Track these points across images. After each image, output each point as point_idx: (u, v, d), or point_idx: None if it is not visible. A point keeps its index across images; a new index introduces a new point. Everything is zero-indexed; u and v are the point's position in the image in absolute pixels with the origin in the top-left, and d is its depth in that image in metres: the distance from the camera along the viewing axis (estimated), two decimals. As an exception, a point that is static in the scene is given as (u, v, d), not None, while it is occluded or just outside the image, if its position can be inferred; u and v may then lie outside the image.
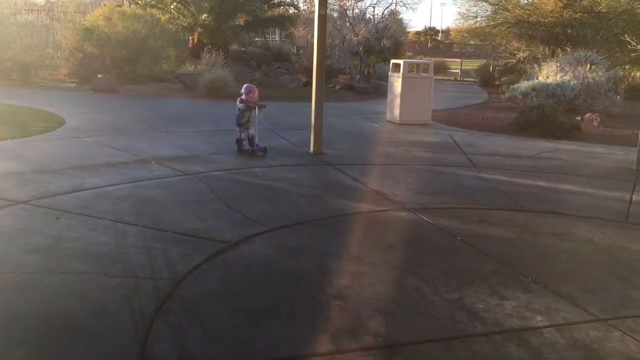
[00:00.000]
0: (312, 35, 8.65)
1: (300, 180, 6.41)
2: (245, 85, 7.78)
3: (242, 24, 22.82)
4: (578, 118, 12.59)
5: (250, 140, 7.55)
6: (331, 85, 19.99)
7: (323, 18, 8.02)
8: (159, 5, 22.28)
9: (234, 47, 26.16)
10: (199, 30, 22.83)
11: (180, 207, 5.16)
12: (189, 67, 18.99)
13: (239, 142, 7.67)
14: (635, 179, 7.10)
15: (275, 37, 36.19)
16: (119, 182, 5.86)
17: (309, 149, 8.02)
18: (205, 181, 6.09)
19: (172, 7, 22.68)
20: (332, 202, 5.64)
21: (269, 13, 26.37)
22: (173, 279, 3.62)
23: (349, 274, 3.87)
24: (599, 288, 3.80)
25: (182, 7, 22.61)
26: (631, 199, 6.15)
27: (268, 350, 2.88)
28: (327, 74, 19.91)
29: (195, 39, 23.54)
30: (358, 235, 4.69)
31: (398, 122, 11.41)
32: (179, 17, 22.70)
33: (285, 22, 24.80)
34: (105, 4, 17.95)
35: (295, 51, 27.87)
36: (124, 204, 5.16)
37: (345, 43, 20.97)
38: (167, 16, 21.98)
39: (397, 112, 11.53)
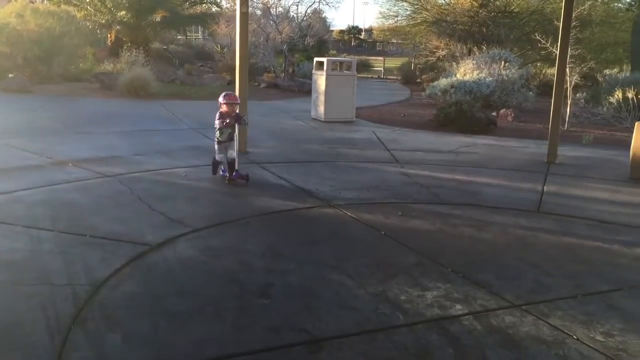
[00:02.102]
0: (235, 33, 8.59)
1: (225, 180, 6.33)
2: (223, 94, 6.15)
3: (161, 20, 22.25)
4: (494, 113, 13.14)
5: (230, 164, 6.12)
6: (256, 84, 19.89)
7: (245, 16, 7.96)
8: (74, 2, 21.39)
9: (156, 45, 25.50)
10: (117, 27, 22.13)
11: (100, 211, 4.99)
12: (107, 66, 18.35)
13: (214, 163, 6.35)
14: (546, 170, 7.49)
15: (198, 35, 35.60)
16: (33, 187, 5.58)
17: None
18: (126, 183, 5.90)
19: (88, 3, 21.82)
20: (258, 200, 5.61)
21: (191, 10, 25.88)
22: (92, 285, 3.49)
23: (274, 271, 3.87)
24: (513, 275, 3.98)
25: (98, 4, 21.80)
26: (543, 189, 6.48)
27: (192, 352, 2.83)
28: (252, 72, 19.85)
29: (114, 37, 22.79)
30: (283, 233, 4.70)
31: (323, 119, 11.50)
32: (95, 14, 21.90)
33: (207, 19, 24.44)
34: (16, 0, 17.01)
35: (218, 49, 27.52)
36: (39, 209, 4.93)
37: (269, 41, 20.93)
38: (83, 13, 21.18)
39: (321, 109, 11.63)
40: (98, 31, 23.07)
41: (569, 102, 12.13)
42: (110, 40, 23.12)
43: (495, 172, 7.34)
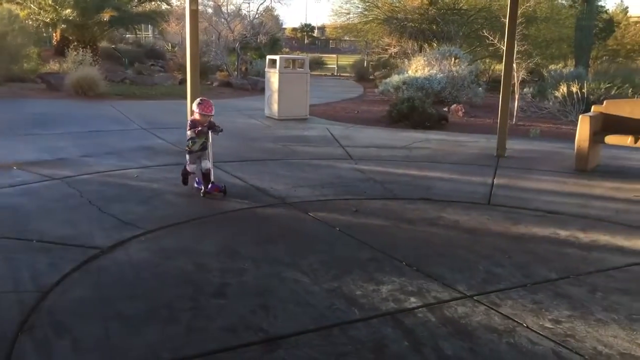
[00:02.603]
0: (186, 31, 8.44)
1: (178, 180, 6.22)
2: (197, 102, 5.58)
3: (109, 19, 21.71)
4: (445, 109, 13.37)
5: (205, 176, 5.60)
6: (209, 83, 19.66)
7: (195, 13, 7.83)
8: (17, 0, 20.66)
9: (104, 44, 24.88)
10: (63, 26, 21.48)
11: (47, 215, 4.84)
12: (53, 66, 17.80)
13: (185, 175, 5.84)
14: (495, 164, 7.67)
15: (148, 34, 34.93)
16: (-26, 191, 5.38)
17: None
18: (74, 185, 5.75)
19: (31, 1, 21.09)
20: (212, 200, 5.55)
21: (140, 8, 25.34)
22: (39, 291, 3.38)
23: (229, 271, 3.83)
24: (465, 267, 4.06)
25: (42, 2, 21.11)
26: (492, 182, 6.63)
27: (145, 356, 2.78)
28: (204, 70, 19.62)
29: (59, 36, 22.13)
30: (238, 232, 4.66)
31: (277, 117, 11.47)
32: (39, 13, 21.19)
33: (157, 17, 23.97)
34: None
35: (169, 48, 27.08)
36: (-19, 215, 4.75)
37: (221, 39, 20.72)
38: (26, 11, 20.46)
39: (275, 107, 11.59)
40: (43, 30, 22.34)
41: (516, 97, 12.45)
42: (56, 40, 22.43)
43: (447, 167, 7.47)
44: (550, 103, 13.50)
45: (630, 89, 13.62)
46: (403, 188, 6.26)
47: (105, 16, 21.36)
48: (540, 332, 3.14)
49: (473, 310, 3.40)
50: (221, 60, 20.45)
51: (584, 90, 12.52)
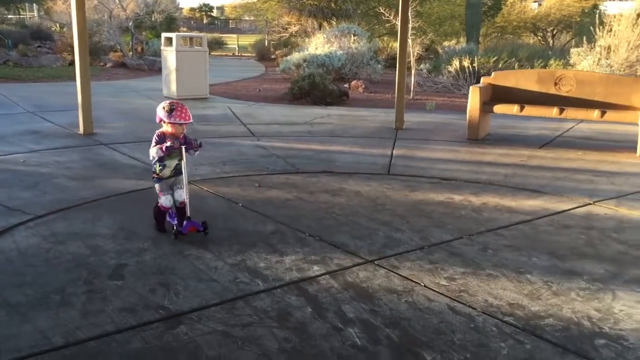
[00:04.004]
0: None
1: (70, 163, 5.93)
2: (165, 107, 3.83)
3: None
4: (346, 85, 13.56)
5: (179, 210, 4.05)
6: (102, 64, 18.79)
7: (80, -12, 7.41)
8: None
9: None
10: None
11: None
12: None
13: (158, 213, 4.09)
14: (394, 136, 7.89)
15: (33, 14, 32.73)
16: None
17: (79, 130, 7.45)
18: (-49, 173, 5.31)
19: None
20: (107, 182, 5.32)
21: (22, -15, 23.63)
22: None
23: (127, 252, 3.70)
24: (366, 234, 4.16)
25: None
26: (392, 153, 6.82)
27: (36, 342, 2.62)
28: (97, 51, 18.67)
29: None
30: (137, 213, 4.50)
31: (175, 97, 11.12)
32: None
33: (41, -5, 22.47)
34: None
35: (57, 29, 25.52)
36: None
37: (113, 18, 19.77)
38: None
39: (173, 87, 11.26)
40: None
41: (413, 72, 12.84)
42: None
43: (349, 140, 7.59)
44: (445, 78, 14.04)
45: (517, 63, 14.42)
46: (305, 162, 6.29)
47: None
48: (437, 290, 3.28)
49: (374, 274, 3.49)
50: (114, 40, 19.55)
51: (475, 65, 13.12)
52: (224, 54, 29.50)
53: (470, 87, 7.80)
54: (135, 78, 15.62)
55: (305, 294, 3.19)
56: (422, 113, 10.26)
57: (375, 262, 3.65)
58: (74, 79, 7.75)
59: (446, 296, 3.21)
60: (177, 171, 4.01)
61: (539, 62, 14.34)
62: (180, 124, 3.84)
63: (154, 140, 3.86)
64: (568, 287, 3.36)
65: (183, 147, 3.88)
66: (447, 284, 3.37)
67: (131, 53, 19.75)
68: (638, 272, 3.59)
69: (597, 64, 12.21)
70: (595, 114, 7.12)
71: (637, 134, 6.96)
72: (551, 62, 14.40)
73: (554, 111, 7.31)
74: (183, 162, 3.92)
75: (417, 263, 3.66)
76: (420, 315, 2.99)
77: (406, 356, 2.61)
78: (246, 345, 2.65)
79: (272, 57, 24.75)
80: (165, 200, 3.99)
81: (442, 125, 9.02)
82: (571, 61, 13.82)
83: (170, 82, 11.35)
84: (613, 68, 11.87)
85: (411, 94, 12.20)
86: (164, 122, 3.84)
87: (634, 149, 7.00)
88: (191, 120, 3.86)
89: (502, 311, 3.05)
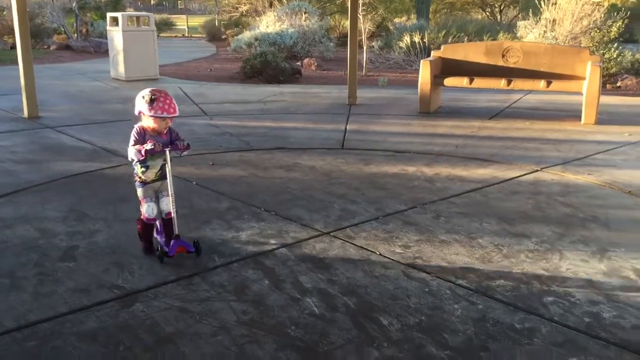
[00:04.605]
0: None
1: (14, 147, 5.74)
2: (145, 96, 3.09)
3: None
4: (298, 63, 13.48)
5: (166, 224, 3.34)
6: (45, 47, 18.15)
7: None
8: None
9: None
10: None
11: None
12: None
13: (143, 228, 3.37)
14: (348, 111, 7.92)
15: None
16: None
17: (23, 114, 7.20)
18: None
19: None
20: (55, 165, 5.17)
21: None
22: None
23: (78, 234, 3.62)
24: (322, 207, 4.18)
25: None
26: (345, 128, 6.85)
27: (-14, 328, 2.56)
28: (40, 33, 18.00)
29: None
30: (87, 194, 4.39)
31: (124, 78, 10.87)
32: None
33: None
34: None
35: (-3, 11, 24.43)
36: None
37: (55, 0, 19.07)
38: None
39: (121, 68, 10.97)
40: None
41: (365, 49, 12.86)
42: None
43: (302, 117, 7.58)
44: (396, 54, 14.12)
45: (466, 37, 14.62)
46: (259, 139, 6.26)
47: None
48: (392, 257, 3.34)
49: (330, 245, 3.52)
50: (58, 22, 18.88)
51: (425, 40, 13.25)
52: (173, 35, 28.82)
53: (421, 61, 7.88)
54: (81, 60, 15.15)
55: (262, 267, 3.20)
56: (375, 89, 10.31)
57: (331, 234, 3.68)
58: (16, 62, 7.46)
59: (401, 263, 3.27)
60: (164, 173, 3.29)
61: (487, 36, 14.57)
62: (164, 118, 3.13)
63: (132, 138, 3.18)
64: (517, 249, 3.47)
65: (167, 150, 3.17)
66: (402, 251, 3.43)
67: (76, 35, 19.11)
68: (583, 233, 3.73)
69: (543, 37, 12.50)
70: (542, 84, 7.30)
71: (582, 102, 7.18)
72: (499, 36, 14.66)
73: (502, 82, 7.46)
74: (167, 167, 3.22)
75: (372, 233, 3.70)
76: (376, 283, 3.04)
77: (363, 321, 2.65)
78: (204, 320, 2.64)
79: (223, 37, 24.32)
80: (148, 209, 3.28)
81: (394, 100, 9.09)
82: (518, 34, 14.10)
83: (118, 64, 11.05)
84: (558, 40, 12.17)
85: (363, 71, 12.24)
86: (144, 115, 3.13)
87: (579, 117, 7.23)
88: (177, 113, 3.13)
89: (456, 275, 3.13)
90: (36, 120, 7.00)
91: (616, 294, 2.92)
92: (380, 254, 3.38)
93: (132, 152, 3.19)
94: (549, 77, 7.40)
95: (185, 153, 3.35)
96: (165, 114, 3.08)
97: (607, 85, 10.58)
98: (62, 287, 2.93)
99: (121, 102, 8.50)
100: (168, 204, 3.29)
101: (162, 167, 3.28)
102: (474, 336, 2.54)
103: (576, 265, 3.26)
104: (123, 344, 2.45)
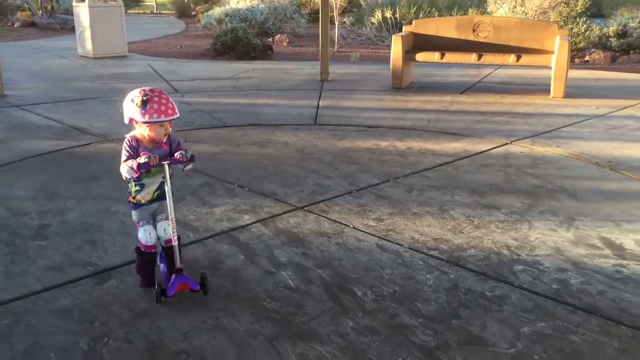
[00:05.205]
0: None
1: (-20, 127, 5.61)
2: (136, 98, 2.44)
3: None
4: (270, 40, 13.35)
5: (167, 253, 2.71)
6: (9, 24, 17.64)
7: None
8: None
9: None
10: None
11: None
12: None
13: (141, 257, 2.71)
14: (320, 87, 7.90)
15: None
16: None
17: (-13, 92, 7.03)
18: None
19: None
20: (23, 144, 5.07)
21: None
22: None
23: (49, 212, 3.58)
24: (295, 182, 4.19)
25: None
26: (318, 104, 6.84)
27: (-42, 307, 2.53)
28: (4, 10, 17.48)
29: None
30: (57, 173, 4.33)
31: (92, 55, 10.65)
32: None
33: None
34: None
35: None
36: None
37: (17, -26, 18.47)
38: None
39: (89, 45, 10.74)
40: None
41: (336, 25, 12.78)
42: None
43: (275, 93, 7.54)
44: (368, 30, 14.07)
45: (437, 12, 14.62)
46: (231, 116, 6.21)
47: None
48: (365, 230, 3.38)
49: (304, 219, 3.54)
50: (21, -2, 18.31)
51: (397, 16, 13.20)
52: (141, 11, 28.21)
53: (393, 36, 7.87)
54: (46, 38, 14.77)
55: (237, 242, 3.21)
56: (347, 65, 10.28)
57: (305, 209, 3.70)
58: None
59: (375, 236, 3.31)
60: (162, 193, 2.66)
61: (458, 11, 14.59)
62: (162, 123, 2.52)
63: (123, 152, 2.57)
64: (488, 220, 3.54)
65: (166, 164, 2.54)
66: (375, 224, 3.47)
67: (40, 12, 18.60)
68: (551, 203, 3.82)
69: (512, 12, 12.57)
70: (512, 58, 7.37)
71: (550, 77, 7.28)
72: (470, 11, 14.69)
73: (472, 57, 7.51)
74: (167, 185, 2.56)
75: (345, 207, 3.74)
76: (351, 255, 3.08)
77: (338, 293, 2.69)
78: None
79: (193, 13, 23.90)
80: (144, 235, 2.67)
81: (366, 75, 9.09)
82: (488, 9, 14.14)
83: (85, 41, 10.81)
84: (528, 15, 12.26)
85: (335, 47, 12.18)
86: (136, 122, 2.53)
87: (548, 91, 7.34)
88: (177, 115, 2.50)
89: (428, 246, 3.18)
90: (2, 99, 6.83)
91: (583, 261, 3.01)
92: (354, 227, 3.42)
93: (124, 170, 2.54)
94: (519, 51, 7.47)
95: (189, 167, 2.64)
96: (162, 117, 2.44)
97: (576, 60, 10.73)
98: (34, 266, 2.90)
99: (90, 80, 8.34)
100: (167, 229, 2.66)
101: (161, 186, 2.66)
102: (446, 304, 2.60)
103: (545, 234, 3.34)
104: (98, 320, 2.45)
